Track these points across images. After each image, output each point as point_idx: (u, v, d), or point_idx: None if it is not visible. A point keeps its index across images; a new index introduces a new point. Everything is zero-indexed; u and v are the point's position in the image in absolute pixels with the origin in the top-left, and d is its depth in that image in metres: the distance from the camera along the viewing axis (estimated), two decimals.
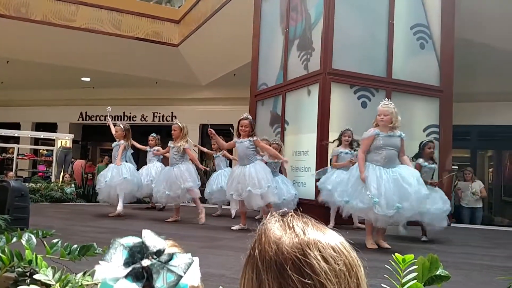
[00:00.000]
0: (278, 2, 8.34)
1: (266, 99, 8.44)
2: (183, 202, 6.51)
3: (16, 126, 15.68)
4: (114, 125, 6.92)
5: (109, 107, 7.44)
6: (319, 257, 0.65)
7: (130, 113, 15.63)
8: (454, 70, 7.71)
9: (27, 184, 8.56)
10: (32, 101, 15.85)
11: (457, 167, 10.39)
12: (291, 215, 0.74)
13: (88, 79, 14.57)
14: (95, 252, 2.21)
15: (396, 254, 1.56)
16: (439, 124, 7.50)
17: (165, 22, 12.26)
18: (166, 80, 13.81)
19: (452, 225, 7.40)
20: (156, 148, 8.01)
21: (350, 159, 5.88)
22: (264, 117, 8.45)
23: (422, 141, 5.61)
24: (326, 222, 5.37)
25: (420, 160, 5.38)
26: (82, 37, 11.48)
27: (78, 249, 2.23)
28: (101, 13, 11.71)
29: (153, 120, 15.42)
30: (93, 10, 11.64)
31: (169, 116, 15.39)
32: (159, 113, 15.45)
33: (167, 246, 0.73)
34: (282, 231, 0.70)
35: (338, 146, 6.21)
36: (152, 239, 0.72)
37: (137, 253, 0.70)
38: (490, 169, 13.41)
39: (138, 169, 7.29)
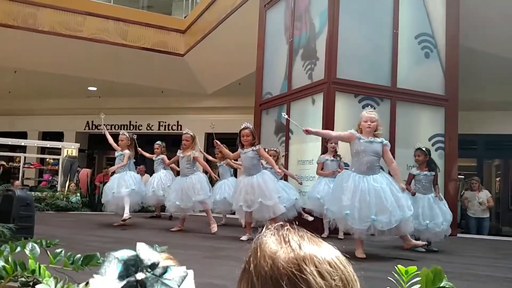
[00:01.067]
0: (282, 12, 8.39)
1: (270, 108, 8.46)
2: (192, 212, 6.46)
3: (23, 135, 15.80)
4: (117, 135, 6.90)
5: (102, 114, 7.39)
6: (315, 273, 0.65)
7: (136, 122, 15.71)
8: (460, 79, 7.69)
9: (32, 193, 8.61)
10: (39, 110, 15.98)
11: (463, 176, 10.31)
12: (287, 229, 0.73)
13: (95, 89, 14.69)
14: (98, 262, 2.21)
15: (399, 265, 1.55)
16: (444, 133, 7.47)
17: (171, 32, 12.36)
18: (171, 90, 13.89)
19: (458, 235, 7.34)
20: (162, 156, 7.98)
21: (336, 170, 5.88)
22: (268, 126, 8.46)
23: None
24: (332, 231, 5.35)
25: (413, 169, 5.38)
26: (89, 47, 11.60)
27: (81, 259, 2.24)
28: (107, 23, 11.83)
29: (159, 129, 15.49)
30: (100, 21, 11.76)
31: (175, 125, 15.46)
32: (165, 122, 15.52)
33: (162, 258, 0.73)
34: (277, 245, 0.69)
35: (323, 153, 6.18)
36: (146, 252, 0.72)
37: (131, 266, 0.70)
38: (497, 179, 13.31)
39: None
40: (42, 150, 15.44)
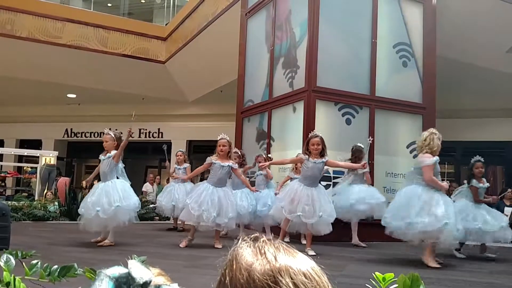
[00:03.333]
0: (263, 21, 8.45)
1: (252, 116, 8.49)
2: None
3: (0, 143, 15.48)
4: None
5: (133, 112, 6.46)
6: (290, 284, 0.64)
7: (116, 129, 15.28)
8: (438, 87, 7.85)
9: (9, 202, 8.43)
10: (16, 118, 15.69)
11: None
12: (263, 240, 0.72)
13: (74, 96, 14.50)
14: (76, 273, 2.18)
15: (376, 272, 1.58)
16: None
17: (152, 39, 12.32)
18: (152, 97, 13.81)
19: None
20: (186, 165, 7.57)
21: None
22: (250, 133, 8.48)
23: (471, 161, 5.63)
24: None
25: (474, 182, 5.45)
26: (68, 54, 11.47)
27: (58, 270, 2.20)
28: (87, 30, 11.73)
29: (140, 137, 15.36)
30: (79, 27, 11.66)
31: (156, 133, 15.37)
32: (146, 129, 15.40)
33: (154, 275, 0.73)
34: (253, 257, 0.69)
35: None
36: (138, 270, 0.71)
37: (123, 284, 0.69)
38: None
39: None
40: (19, 158, 15.14)
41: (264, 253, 0.69)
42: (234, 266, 0.69)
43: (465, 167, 13.14)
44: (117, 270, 0.74)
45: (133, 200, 5.50)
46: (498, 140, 11.33)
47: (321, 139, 5.23)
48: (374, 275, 1.62)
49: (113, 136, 5.61)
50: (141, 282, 0.71)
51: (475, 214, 5.33)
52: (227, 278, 0.68)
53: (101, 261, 4.06)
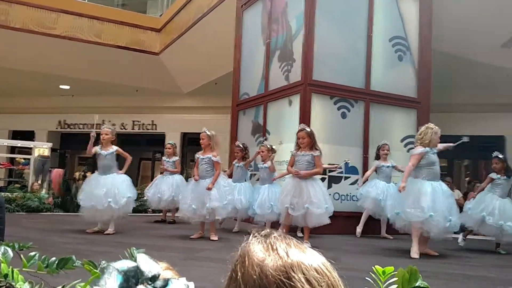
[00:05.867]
0: (259, 14, 8.42)
1: (247, 109, 8.48)
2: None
3: None
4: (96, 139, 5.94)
5: (96, 115, 6.82)
6: (303, 280, 0.65)
7: (110, 121, 15.39)
8: (432, 81, 7.88)
9: (2, 193, 8.38)
10: (9, 109, 15.55)
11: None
12: (274, 236, 0.73)
13: (68, 87, 14.39)
14: (74, 265, 2.18)
15: (376, 266, 1.59)
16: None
17: (146, 31, 12.23)
18: (146, 88, 13.74)
19: None
20: (175, 158, 7.59)
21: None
22: (245, 126, 8.47)
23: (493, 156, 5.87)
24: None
25: (492, 174, 5.69)
26: (62, 45, 11.37)
27: (56, 262, 2.20)
28: (81, 21, 11.62)
29: (133, 129, 15.30)
30: (74, 18, 11.54)
31: (150, 125, 15.30)
32: (139, 121, 15.33)
33: (162, 269, 0.73)
34: (265, 253, 0.69)
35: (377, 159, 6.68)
36: (147, 264, 0.71)
37: (131, 277, 0.69)
38: (467, 178, 13.67)
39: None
40: (12, 149, 15.02)
41: (276, 249, 0.70)
42: (246, 262, 0.69)
43: (458, 161, 13.30)
44: (126, 264, 0.74)
45: (135, 192, 5.92)
46: (491, 135, 11.40)
47: (307, 132, 5.27)
48: (374, 268, 1.64)
49: (112, 130, 5.92)
50: (150, 276, 0.72)
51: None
52: (239, 274, 0.69)
53: (98, 253, 4.06)
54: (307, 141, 5.23)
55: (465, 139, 5.41)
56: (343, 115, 7.06)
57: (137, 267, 0.72)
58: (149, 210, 9.61)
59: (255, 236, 0.75)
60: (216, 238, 5.55)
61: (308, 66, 6.82)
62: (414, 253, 4.77)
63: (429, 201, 4.72)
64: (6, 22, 10.91)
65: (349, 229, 6.54)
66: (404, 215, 4.85)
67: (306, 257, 0.69)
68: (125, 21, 12.02)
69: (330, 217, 5.34)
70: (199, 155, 5.68)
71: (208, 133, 5.66)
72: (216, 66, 11.12)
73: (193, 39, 10.82)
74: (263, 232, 0.76)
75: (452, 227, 4.87)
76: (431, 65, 7.81)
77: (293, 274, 0.66)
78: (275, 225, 6.19)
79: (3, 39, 11.01)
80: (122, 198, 5.62)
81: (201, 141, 5.66)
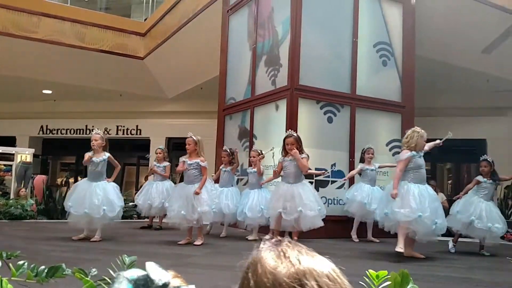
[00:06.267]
0: (245, 19, 8.44)
1: (234, 114, 8.48)
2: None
3: None
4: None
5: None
6: (315, 286, 0.66)
7: (93, 126, 15.07)
8: (416, 86, 8.00)
9: None
10: None
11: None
12: (286, 244, 0.74)
13: (50, 92, 14.18)
14: (64, 273, 2.15)
15: (370, 270, 1.61)
16: (401, 139, 7.69)
17: (130, 35, 12.14)
18: (130, 93, 13.63)
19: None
20: (166, 163, 7.51)
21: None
22: (232, 131, 8.47)
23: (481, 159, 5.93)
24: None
25: (479, 177, 5.77)
26: (44, 49, 11.21)
27: (45, 271, 2.16)
28: (64, 25, 11.47)
29: (117, 134, 15.13)
30: (56, 22, 11.39)
31: (134, 129, 15.17)
32: (123, 126, 15.18)
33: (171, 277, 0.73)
34: (277, 261, 0.70)
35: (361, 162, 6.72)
36: (156, 272, 0.71)
37: (141, 286, 0.69)
38: (449, 181, 13.89)
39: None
40: None
41: (288, 256, 0.71)
42: (259, 270, 0.70)
43: (441, 164, 13.51)
44: (135, 273, 0.74)
45: (121, 201, 5.90)
46: (473, 138, 11.61)
47: (295, 138, 5.35)
48: (367, 272, 1.65)
49: (102, 135, 5.82)
50: (160, 284, 0.72)
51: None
52: (252, 281, 0.69)
53: (85, 260, 4.01)
54: (295, 147, 5.28)
55: (450, 135, 5.50)
56: (330, 120, 7.11)
57: (147, 276, 0.72)
58: (135, 216, 9.52)
59: (266, 244, 0.75)
60: (200, 243, 5.53)
61: (295, 71, 6.85)
62: (399, 247, 4.76)
63: (417, 203, 4.78)
64: None
65: (336, 233, 6.59)
66: (392, 216, 4.91)
67: (318, 263, 0.71)
68: (109, 25, 11.91)
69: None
70: (185, 159, 5.65)
71: (194, 138, 5.64)
72: (202, 71, 11.10)
73: (179, 44, 10.79)
74: (273, 239, 0.77)
75: (438, 230, 4.94)
76: (414, 70, 7.93)
77: (306, 281, 0.66)
78: (263, 229, 6.21)
79: None
80: (117, 207, 5.65)
81: (187, 146, 5.64)
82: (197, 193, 5.41)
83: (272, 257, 0.71)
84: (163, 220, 7.51)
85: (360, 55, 7.44)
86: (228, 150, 6.79)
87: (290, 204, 5.24)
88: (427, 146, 5.27)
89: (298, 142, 5.34)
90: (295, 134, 5.43)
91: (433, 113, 10.76)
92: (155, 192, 7.31)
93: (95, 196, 5.54)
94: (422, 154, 5.10)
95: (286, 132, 5.87)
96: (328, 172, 6.85)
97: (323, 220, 5.56)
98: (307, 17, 7.06)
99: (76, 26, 11.57)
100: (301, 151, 5.35)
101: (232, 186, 6.74)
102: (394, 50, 7.82)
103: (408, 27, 7.93)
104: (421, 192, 4.89)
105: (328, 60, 7.24)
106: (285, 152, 5.38)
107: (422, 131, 5.11)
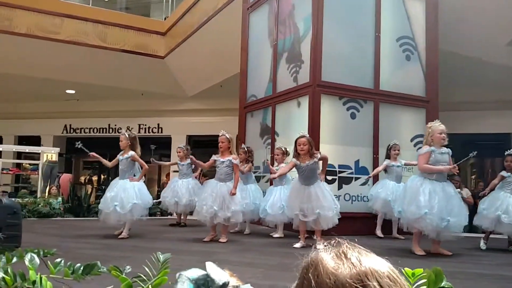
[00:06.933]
0: (266, 16, 8.44)
1: (255, 111, 8.50)
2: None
3: None
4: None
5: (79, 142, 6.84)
6: (377, 287, 0.67)
7: (115, 125, 15.49)
8: (440, 80, 7.88)
9: (13, 199, 8.41)
10: (15, 114, 15.61)
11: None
12: (345, 245, 0.75)
13: (73, 92, 14.43)
14: (99, 271, 2.20)
15: (405, 268, 1.61)
16: None
17: (151, 34, 12.26)
18: (152, 92, 13.77)
19: None
20: (189, 160, 7.47)
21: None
22: (253, 128, 8.49)
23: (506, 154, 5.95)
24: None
25: (503, 172, 5.78)
26: (67, 50, 11.40)
27: (81, 268, 2.22)
28: (86, 25, 11.65)
29: (139, 132, 15.30)
30: (78, 23, 11.57)
31: (155, 128, 15.34)
32: (145, 125, 15.37)
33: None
34: (338, 261, 0.71)
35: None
36: (216, 272, 0.73)
37: (202, 285, 0.71)
38: (473, 176, 13.64)
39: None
40: (18, 155, 15.07)
41: (350, 257, 0.71)
42: (321, 270, 0.70)
43: (464, 159, 13.27)
44: (196, 272, 0.76)
45: (147, 198, 5.94)
46: (497, 132, 11.39)
47: (308, 139, 5.33)
48: (403, 270, 1.65)
49: (127, 136, 6.03)
50: (220, 284, 0.74)
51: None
52: (313, 282, 0.70)
53: (116, 258, 4.08)
54: (307, 148, 5.27)
55: (473, 154, 5.42)
56: (353, 116, 7.07)
57: (207, 275, 0.74)
58: (158, 213, 9.66)
59: (325, 245, 0.76)
60: (225, 240, 5.60)
61: (317, 67, 6.83)
62: (416, 250, 4.88)
63: (426, 199, 4.74)
64: (10, 28, 10.95)
65: (360, 230, 6.52)
66: (404, 214, 4.93)
67: (378, 264, 0.71)
68: (130, 24, 12.05)
69: (341, 218, 5.39)
70: (217, 158, 5.69)
71: (228, 136, 5.68)
72: (221, 69, 11.14)
73: (199, 42, 10.85)
74: (332, 240, 0.78)
75: (452, 227, 4.84)
76: (438, 64, 7.81)
77: (368, 282, 0.67)
78: (287, 227, 6.22)
79: (7, 45, 11.06)
80: (128, 203, 5.65)
81: (220, 144, 5.67)
82: (233, 194, 5.48)
83: (332, 258, 0.72)
84: (187, 218, 7.63)
85: (383, 49, 7.36)
86: (245, 148, 6.81)
87: (307, 205, 5.24)
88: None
89: (310, 143, 5.32)
90: (307, 135, 5.42)
91: (458, 107, 10.60)
92: (181, 190, 7.41)
93: (110, 192, 5.81)
94: (444, 150, 5.02)
95: (307, 129, 5.86)
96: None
97: (344, 217, 5.56)
98: (328, 12, 7.02)
99: (98, 27, 11.73)
100: (313, 152, 5.33)
101: (249, 183, 6.76)
102: (418, 44, 7.71)
103: (431, 21, 7.81)
104: (435, 189, 4.83)
105: (350, 56, 7.18)
106: (297, 153, 5.36)
107: (435, 125, 5.06)
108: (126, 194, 5.72)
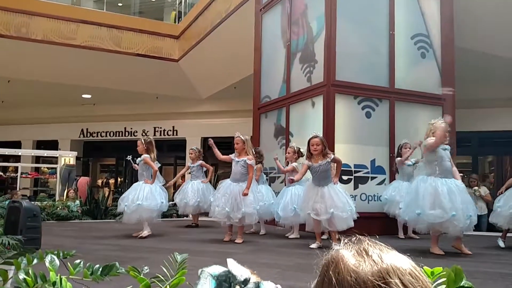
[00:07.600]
0: (279, 17, 8.44)
1: (269, 112, 8.49)
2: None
3: (17, 144, 15.67)
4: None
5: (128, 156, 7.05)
6: (399, 284, 0.66)
7: (131, 128, 15.66)
8: (456, 78, 7.78)
9: (32, 202, 8.55)
10: (32, 119, 15.88)
11: (461, 174, 10.46)
12: (366, 242, 0.74)
13: (89, 96, 14.63)
14: (118, 271, 2.23)
15: (424, 267, 1.59)
16: None
17: (165, 38, 12.36)
18: (166, 95, 13.88)
19: None
20: (200, 161, 7.72)
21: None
22: (268, 129, 8.49)
23: None
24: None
25: None
26: (82, 55, 11.56)
27: (100, 269, 2.24)
28: (101, 30, 11.80)
29: (155, 135, 15.44)
30: (93, 28, 11.73)
31: (170, 130, 15.44)
32: (160, 128, 15.49)
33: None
34: (359, 259, 0.70)
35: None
36: (237, 268, 0.74)
37: (223, 282, 0.72)
38: (491, 174, 13.43)
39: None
40: (36, 159, 15.33)
41: (371, 254, 0.71)
42: (342, 267, 0.70)
43: (482, 157, 13.11)
44: (218, 269, 0.77)
45: (156, 201, 6.09)
46: None
47: (321, 139, 5.32)
48: (422, 269, 1.63)
49: (142, 141, 6.32)
50: (242, 280, 0.74)
51: None
52: (333, 279, 0.69)
53: (133, 259, 4.12)
54: (320, 148, 5.26)
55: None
56: (368, 115, 7.02)
57: (229, 272, 0.75)
58: (174, 214, 9.74)
59: (345, 242, 0.76)
60: (240, 241, 5.62)
61: (331, 67, 6.80)
62: (435, 250, 4.85)
63: (448, 201, 4.69)
64: (27, 35, 11.15)
65: (377, 230, 6.46)
66: (425, 217, 4.80)
67: (399, 261, 0.70)
68: (144, 28, 12.18)
69: (357, 218, 5.34)
70: (234, 157, 5.75)
71: (242, 137, 5.72)
72: (235, 71, 11.17)
73: (212, 45, 10.89)
74: (353, 237, 0.77)
75: (472, 224, 4.84)
76: (454, 61, 7.71)
77: (390, 279, 0.66)
78: (303, 228, 6.20)
79: (25, 51, 11.26)
80: (132, 204, 5.92)
81: (235, 145, 5.74)
82: (245, 195, 5.48)
83: (353, 255, 0.72)
84: (199, 218, 7.74)
85: (398, 48, 7.29)
86: (254, 150, 6.81)
87: (320, 205, 5.21)
88: None
89: (323, 143, 5.30)
90: (320, 135, 5.40)
91: (474, 104, 10.44)
92: (190, 191, 7.51)
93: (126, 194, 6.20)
94: (446, 147, 5.01)
95: (321, 129, 5.84)
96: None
97: (361, 217, 5.51)
98: (342, 11, 6.99)
99: (113, 31, 11.88)
100: (326, 152, 5.30)
101: (259, 184, 6.74)
102: (433, 41, 7.62)
103: (446, 18, 7.72)
104: (450, 188, 4.78)
105: (364, 54, 7.13)
106: (310, 153, 5.34)
107: (438, 122, 5.04)
108: (134, 195, 6.00)
